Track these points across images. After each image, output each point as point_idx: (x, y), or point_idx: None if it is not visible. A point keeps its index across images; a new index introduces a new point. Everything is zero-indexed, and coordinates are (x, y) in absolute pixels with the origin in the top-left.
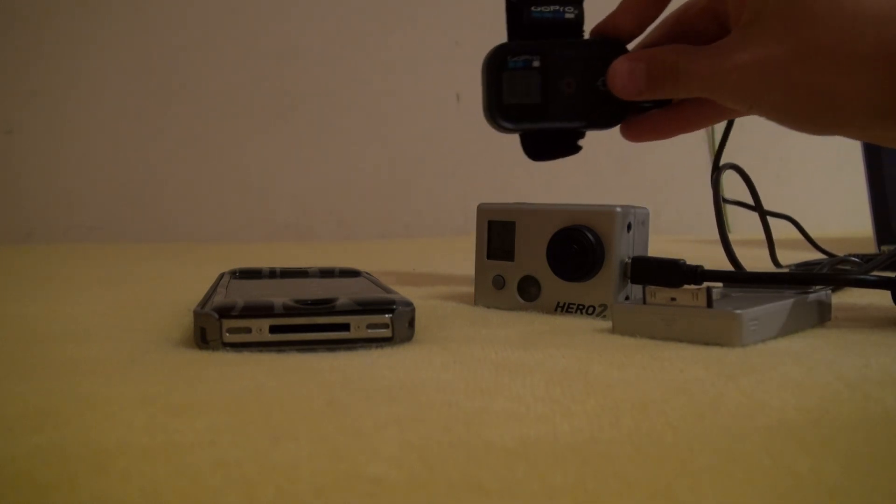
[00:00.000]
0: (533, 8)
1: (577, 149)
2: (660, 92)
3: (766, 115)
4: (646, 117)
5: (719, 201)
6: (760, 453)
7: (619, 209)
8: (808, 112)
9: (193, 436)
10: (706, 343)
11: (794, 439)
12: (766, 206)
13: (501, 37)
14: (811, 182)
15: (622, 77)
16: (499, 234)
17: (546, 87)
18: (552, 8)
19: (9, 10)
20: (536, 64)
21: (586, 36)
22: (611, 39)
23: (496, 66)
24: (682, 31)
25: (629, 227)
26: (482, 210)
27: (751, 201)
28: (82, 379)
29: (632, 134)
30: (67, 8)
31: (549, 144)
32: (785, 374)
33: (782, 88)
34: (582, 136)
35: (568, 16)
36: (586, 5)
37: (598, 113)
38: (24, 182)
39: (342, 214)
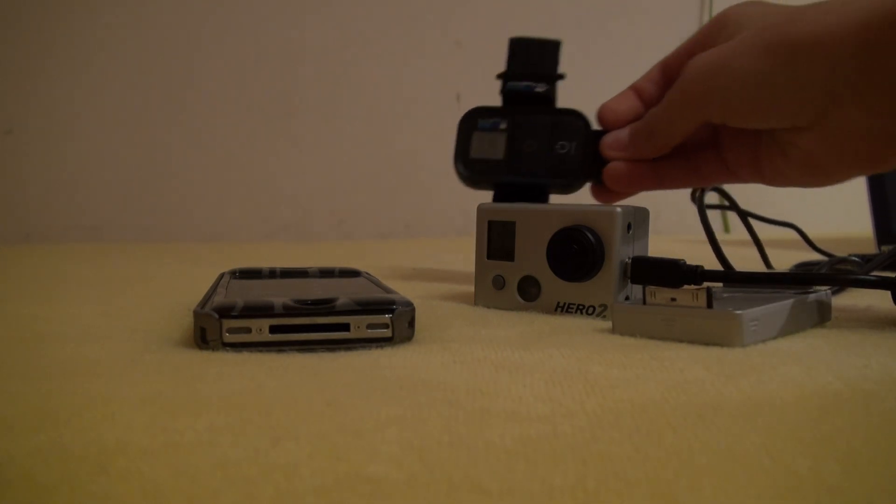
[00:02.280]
0: (509, 82)
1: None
2: (642, 146)
3: (718, 111)
4: (626, 168)
5: (703, 212)
6: (760, 453)
7: (619, 209)
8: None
9: (193, 436)
10: (706, 343)
11: (794, 439)
12: (767, 206)
13: (501, 37)
14: None
15: (609, 141)
16: (499, 234)
17: (509, 146)
18: (525, 83)
19: (9, 10)
20: (503, 126)
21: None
22: (574, 111)
23: (468, 126)
24: None
25: (629, 227)
26: (482, 210)
27: (745, 217)
28: (82, 379)
29: (612, 182)
30: (68, 8)
31: (514, 198)
32: (785, 374)
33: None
34: (545, 199)
35: (538, 90)
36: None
37: (556, 173)
38: (24, 182)
39: (342, 214)
